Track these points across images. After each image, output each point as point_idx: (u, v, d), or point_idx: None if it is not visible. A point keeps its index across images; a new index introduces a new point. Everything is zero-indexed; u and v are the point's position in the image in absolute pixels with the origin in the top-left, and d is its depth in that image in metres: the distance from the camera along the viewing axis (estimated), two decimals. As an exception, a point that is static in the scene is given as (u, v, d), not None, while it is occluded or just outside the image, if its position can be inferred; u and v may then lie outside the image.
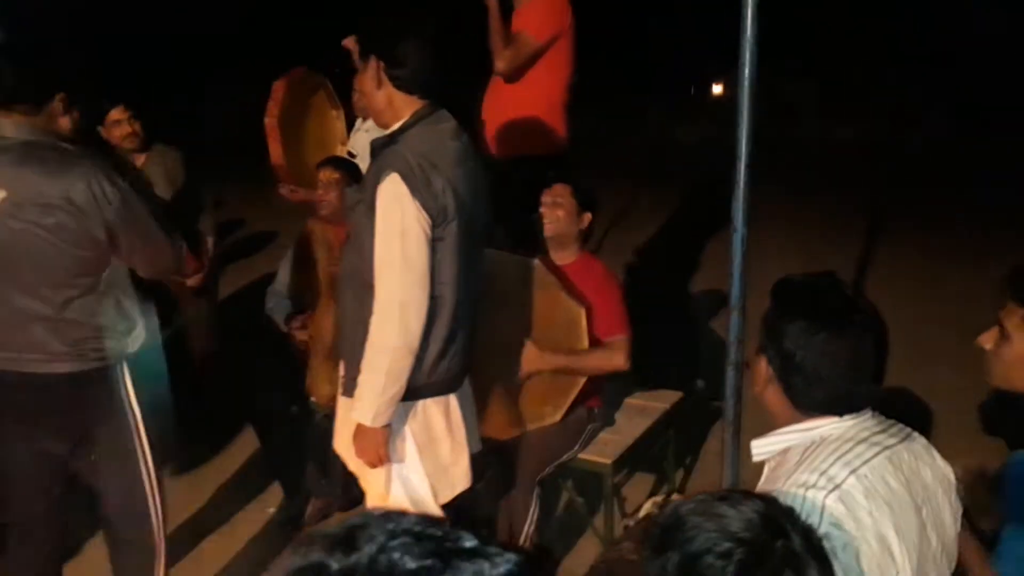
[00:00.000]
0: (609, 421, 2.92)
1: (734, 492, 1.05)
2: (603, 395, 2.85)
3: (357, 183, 3.09)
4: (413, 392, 1.98)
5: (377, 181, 1.90)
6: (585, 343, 2.61)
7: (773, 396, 1.45)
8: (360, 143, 3.58)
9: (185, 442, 3.51)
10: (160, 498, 2.24)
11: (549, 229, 2.72)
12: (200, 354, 3.55)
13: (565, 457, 2.70)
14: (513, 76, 3.19)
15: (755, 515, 0.99)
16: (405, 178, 1.87)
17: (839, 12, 12.21)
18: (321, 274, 3.00)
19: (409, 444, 2.05)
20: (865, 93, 11.58)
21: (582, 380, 2.61)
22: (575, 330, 2.61)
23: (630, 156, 10.02)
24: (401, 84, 1.98)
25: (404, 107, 1.99)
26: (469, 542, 0.63)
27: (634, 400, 3.11)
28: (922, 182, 8.21)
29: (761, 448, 1.46)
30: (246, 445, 3.54)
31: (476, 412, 2.57)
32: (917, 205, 7.38)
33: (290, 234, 3.61)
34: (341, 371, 2.12)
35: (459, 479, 2.15)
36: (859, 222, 6.67)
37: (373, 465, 2.02)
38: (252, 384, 3.37)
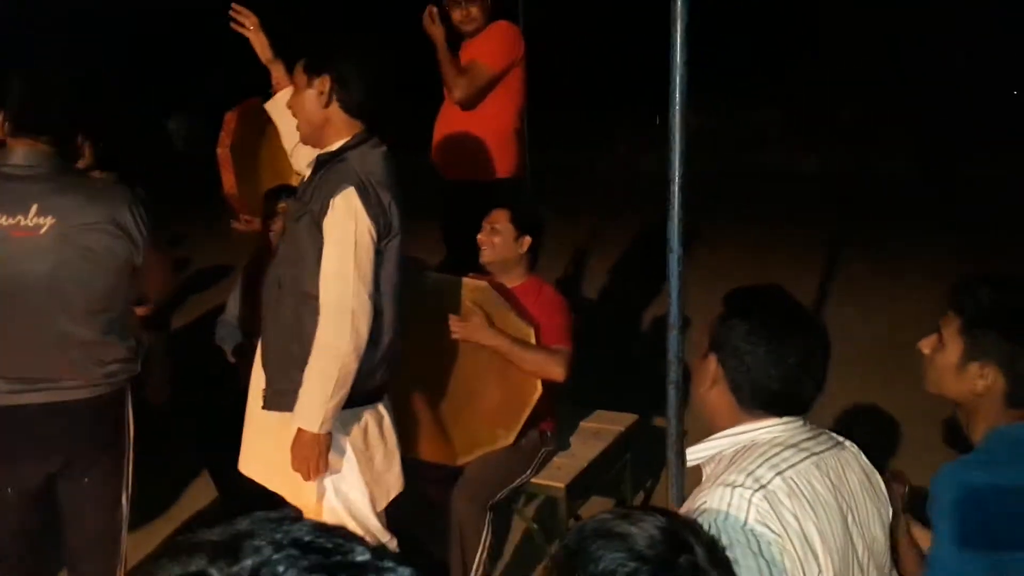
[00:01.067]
0: (563, 445, 2.92)
1: (634, 509, 1.06)
2: (556, 418, 2.85)
3: None
4: (351, 400, 2.04)
5: (331, 194, 1.98)
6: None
7: (718, 396, 1.48)
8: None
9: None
10: (125, 534, 2.23)
11: (485, 255, 2.73)
12: (153, 386, 3.51)
13: (518, 481, 2.69)
14: (469, 104, 3.23)
15: (657, 531, 1.00)
16: (360, 193, 1.98)
17: (808, 41, 12.47)
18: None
19: (348, 453, 2.10)
20: (831, 122, 11.79)
21: (534, 398, 2.61)
22: (525, 349, 2.61)
23: (596, 185, 10.13)
24: (347, 106, 2.08)
25: (344, 128, 2.09)
26: (361, 556, 0.61)
27: (589, 423, 3.11)
28: (885, 214, 8.35)
29: (696, 453, 1.49)
30: (201, 486, 3.49)
31: (429, 437, 2.58)
32: (878, 234, 7.49)
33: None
34: (261, 384, 2.13)
35: (393, 484, 2.22)
36: (820, 250, 6.76)
37: (311, 476, 2.04)
38: (203, 415, 3.32)
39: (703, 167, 2.10)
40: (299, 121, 2.16)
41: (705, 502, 1.35)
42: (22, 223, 1.96)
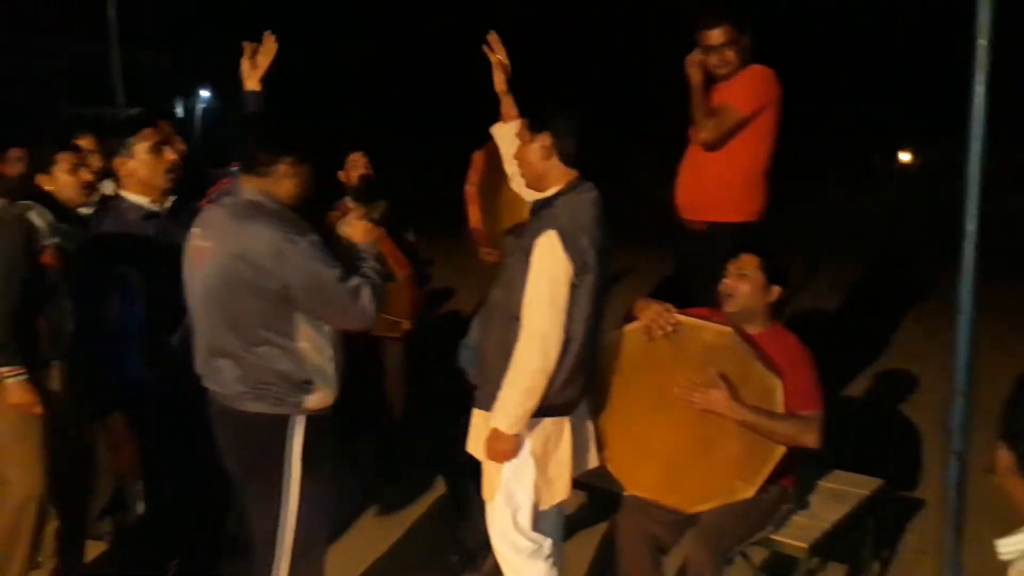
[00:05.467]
0: (802, 503, 2.79)
1: None
2: (797, 475, 2.73)
3: None
4: (539, 411, 2.33)
5: (537, 234, 2.28)
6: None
7: (1017, 488, 1.36)
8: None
9: (379, 485, 3.71)
10: (287, 544, 2.30)
11: (731, 304, 2.65)
12: (395, 400, 3.76)
13: (757, 536, 2.60)
14: (714, 146, 3.22)
15: None
16: (560, 235, 2.26)
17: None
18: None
19: (526, 452, 2.38)
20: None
21: (779, 454, 2.52)
22: (769, 403, 2.53)
23: (808, 226, 9.68)
24: (564, 158, 2.37)
25: (560, 176, 2.39)
26: None
27: (828, 483, 2.96)
28: None
29: (1010, 547, 1.36)
30: (435, 493, 3.68)
31: (661, 479, 2.59)
32: None
33: (472, 290, 3.79)
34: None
35: (559, 491, 2.46)
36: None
37: (498, 460, 2.37)
38: (444, 432, 3.51)
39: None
40: (523, 170, 2.47)
41: None
42: (201, 244, 2.27)
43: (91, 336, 2.54)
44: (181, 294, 2.39)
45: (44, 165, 2.83)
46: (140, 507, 2.96)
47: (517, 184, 2.73)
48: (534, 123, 2.41)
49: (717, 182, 3.26)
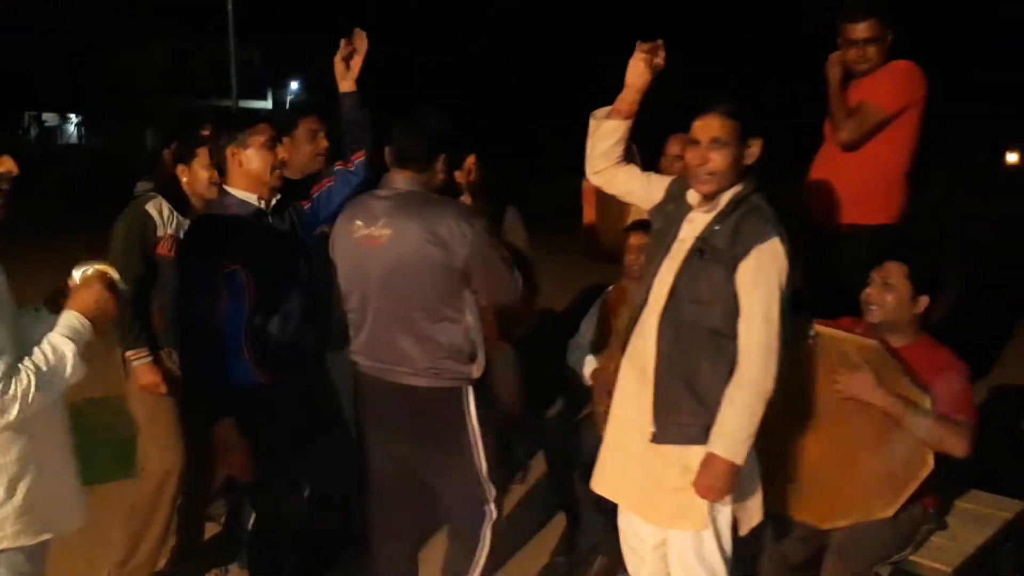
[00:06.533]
0: (942, 525, 2.64)
1: None
2: (939, 495, 2.58)
3: None
4: None
5: (755, 241, 2.09)
6: (926, 434, 2.38)
7: None
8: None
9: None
10: (496, 505, 2.50)
11: (874, 314, 2.51)
12: (508, 397, 3.73)
13: (896, 557, 2.48)
14: (853, 146, 3.08)
15: None
16: (783, 241, 2.10)
17: None
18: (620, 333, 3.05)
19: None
20: None
21: (924, 474, 2.38)
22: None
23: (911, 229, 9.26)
24: (754, 161, 2.20)
25: (738, 179, 2.20)
26: None
27: (968, 504, 2.79)
28: None
29: None
30: (542, 492, 3.64)
31: (796, 495, 2.49)
32: None
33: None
34: (632, 414, 2.23)
35: (755, 512, 2.29)
36: None
37: (716, 498, 2.15)
38: (555, 430, 3.45)
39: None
40: (712, 165, 2.14)
41: None
42: (373, 233, 2.38)
43: (198, 335, 2.41)
44: (287, 295, 2.46)
45: (186, 156, 2.87)
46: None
47: (607, 178, 2.45)
48: (746, 128, 2.18)
49: (856, 182, 3.11)
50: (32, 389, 1.70)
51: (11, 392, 1.67)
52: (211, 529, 3.29)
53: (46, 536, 1.85)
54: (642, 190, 2.38)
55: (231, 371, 2.41)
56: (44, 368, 1.72)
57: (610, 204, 3.73)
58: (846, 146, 3.08)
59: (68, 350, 1.77)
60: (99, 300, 1.86)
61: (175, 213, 2.88)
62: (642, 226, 3.22)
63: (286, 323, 2.47)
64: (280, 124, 2.67)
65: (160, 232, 2.83)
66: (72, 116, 28.10)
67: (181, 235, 2.82)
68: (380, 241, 2.37)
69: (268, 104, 27.45)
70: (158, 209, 2.85)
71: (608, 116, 2.34)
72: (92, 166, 11.08)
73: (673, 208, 2.27)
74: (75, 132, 28.48)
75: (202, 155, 2.82)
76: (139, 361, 2.80)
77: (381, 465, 2.52)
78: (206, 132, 3.42)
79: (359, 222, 2.41)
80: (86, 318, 1.83)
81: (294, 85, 26.07)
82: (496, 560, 2.54)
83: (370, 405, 2.51)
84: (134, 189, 4.52)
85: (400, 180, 2.42)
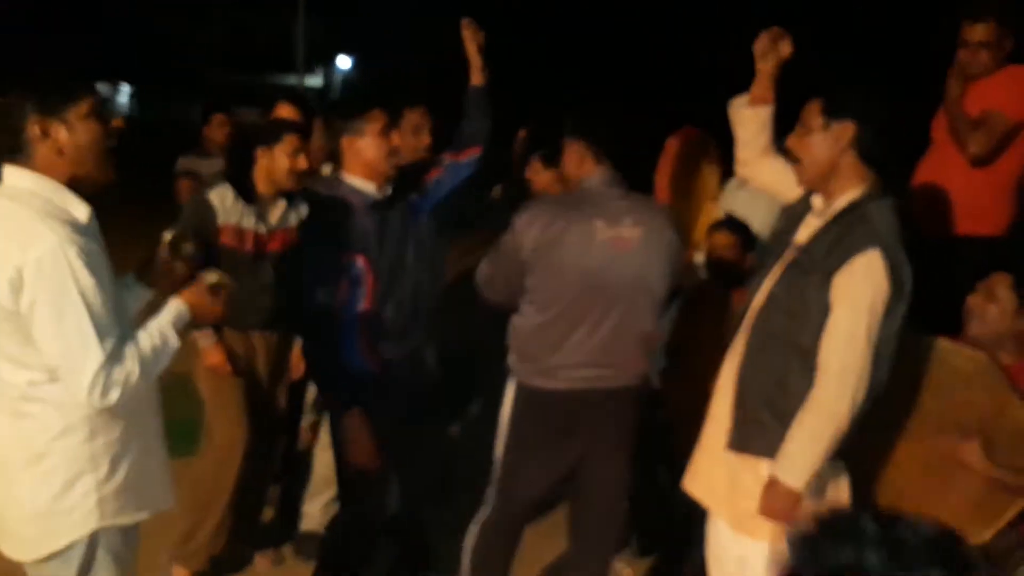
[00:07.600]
0: (1035, 551, 2.50)
1: None
2: (1038, 522, 2.44)
3: (750, 247, 3.02)
4: None
5: (852, 252, 1.92)
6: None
7: None
8: (739, 202, 3.49)
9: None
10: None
11: (975, 327, 2.39)
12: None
13: (989, 585, 2.35)
14: (985, 160, 2.89)
15: None
16: (885, 256, 1.91)
17: None
18: (706, 334, 2.94)
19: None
20: None
21: (1022, 505, 2.25)
22: (1024, 445, 2.26)
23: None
24: (865, 155, 1.99)
25: (855, 177, 2.00)
26: None
27: (1059, 531, 2.64)
28: None
29: None
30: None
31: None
32: None
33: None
34: (720, 417, 2.15)
35: None
36: None
37: (779, 519, 2.04)
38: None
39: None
40: (804, 162, 2.06)
41: None
42: (623, 234, 2.38)
43: (326, 325, 2.42)
44: (398, 285, 2.44)
45: (269, 139, 2.77)
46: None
47: (753, 170, 2.34)
48: (832, 108, 2.00)
49: (966, 191, 2.95)
50: (136, 374, 1.71)
51: (114, 376, 1.68)
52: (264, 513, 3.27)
53: (142, 515, 1.89)
54: (787, 185, 2.20)
55: (349, 360, 2.42)
56: (149, 354, 1.74)
57: (684, 197, 3.64)
58: (977, 160, 2.90)
59: (173, 339, 1.80)
60: (213, 306, 1.92)
61: (239, 201, 2.77)
62: (729, 225, 3.11)
63: (397, 313, 2.47)
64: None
65: (221, 221, 2.75)
66: (125, 87, 28.54)
67: (243, 224, 2.76)
68: (629, 243, 2.39)
69: (319, 81, 27.52)
70: (221, 198, 2.77)
71: (747, 104, 2.28)
72: (144, 139, 11.18)
73: (800, 209, 2.14)
74: (128, 104, 28.92)
75: (287, 142, 2.74)
76: (205, 341, 2.81)
77: (553, 477, 2.55)
78: (284, 110, 3.37)
79: (600, 222, 2.36)
80: (191, 314, 1.87)
81: (344, 63, 26.09)
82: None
83: (579, 422, 2.49)
84: (175, 165, 4.51)
85: (610, 175, 2.43)
